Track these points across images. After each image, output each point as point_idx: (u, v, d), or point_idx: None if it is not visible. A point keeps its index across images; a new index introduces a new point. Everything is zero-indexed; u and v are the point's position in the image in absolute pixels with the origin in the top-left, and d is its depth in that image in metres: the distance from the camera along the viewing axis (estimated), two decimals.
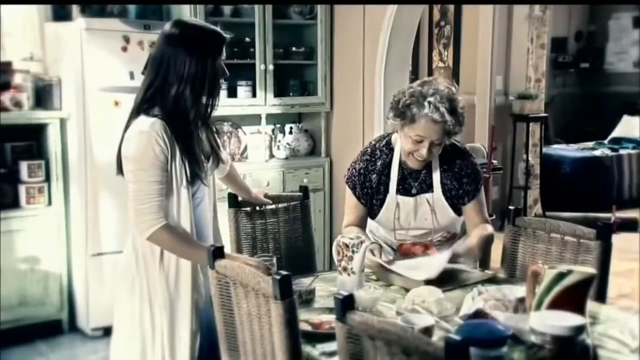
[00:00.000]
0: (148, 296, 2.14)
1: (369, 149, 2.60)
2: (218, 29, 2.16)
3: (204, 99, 2.13)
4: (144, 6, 4.20)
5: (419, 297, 2.01)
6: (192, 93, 2.07)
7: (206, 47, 2.09)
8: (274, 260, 2.24)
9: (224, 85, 4.08)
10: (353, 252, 2.20)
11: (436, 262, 2.32)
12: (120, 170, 2.15)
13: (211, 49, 2.10)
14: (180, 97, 2.07)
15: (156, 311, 2.14)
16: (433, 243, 2.55)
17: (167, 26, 2.13)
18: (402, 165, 2.53)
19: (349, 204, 2.61)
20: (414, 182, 2.53)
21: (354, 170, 2.58)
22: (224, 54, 2.15)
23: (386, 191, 2.54)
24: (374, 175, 2.54)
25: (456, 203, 2.55)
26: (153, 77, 2.10)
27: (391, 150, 2.56)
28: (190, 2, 4.12)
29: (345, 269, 2.22)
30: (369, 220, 2.67)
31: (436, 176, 2.52)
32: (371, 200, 2.56)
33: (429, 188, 2.52)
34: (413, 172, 2.53)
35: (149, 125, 2.03)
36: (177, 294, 2.15)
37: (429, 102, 2.33)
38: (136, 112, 2.10)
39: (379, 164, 2.54)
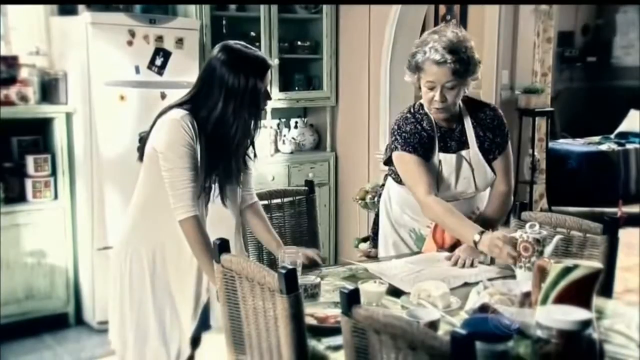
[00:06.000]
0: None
1: (408, 114, 2.56)
2: (262, 54, 2.25)
3: (245, 117, 2.18)
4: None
5: (425, 292, 2.01)
6: (233, 111, 2.15)
7: (249, 69, 2.16)
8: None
9: None
10: (543, 246, 2.14)
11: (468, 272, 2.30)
12: (141, 157, 2.23)
13: (254, 72, 2.16)
14: (223, 114, 2.15)
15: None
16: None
17: (214, 51, 2.21)
18: (437, 125, 2.53)
19: (417, 170, 2.46)
20: (450, 140, 2.54)
21: (405, 134, 2.50)
22: (268, 79, 2.22)
23: (430, 152, 2.51)
24: (425, 133, 2.51)
25: (491, 158, 2.56)
26: (196, 93, 2.20)
27: (426, 112, 2.55)
28: (196, 3, 4.13)
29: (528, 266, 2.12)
30: (394, 206, 2.66)
31: (470, 132, 2.54)
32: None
33: (464, 145, 2.54)
34: (447, 130, 2.54)
35: (180, 116, 2.13)
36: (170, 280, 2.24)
37: (430, 47, 2.37)
38: (174, 106, 2.19)
39: (424, 123, 2.52)
